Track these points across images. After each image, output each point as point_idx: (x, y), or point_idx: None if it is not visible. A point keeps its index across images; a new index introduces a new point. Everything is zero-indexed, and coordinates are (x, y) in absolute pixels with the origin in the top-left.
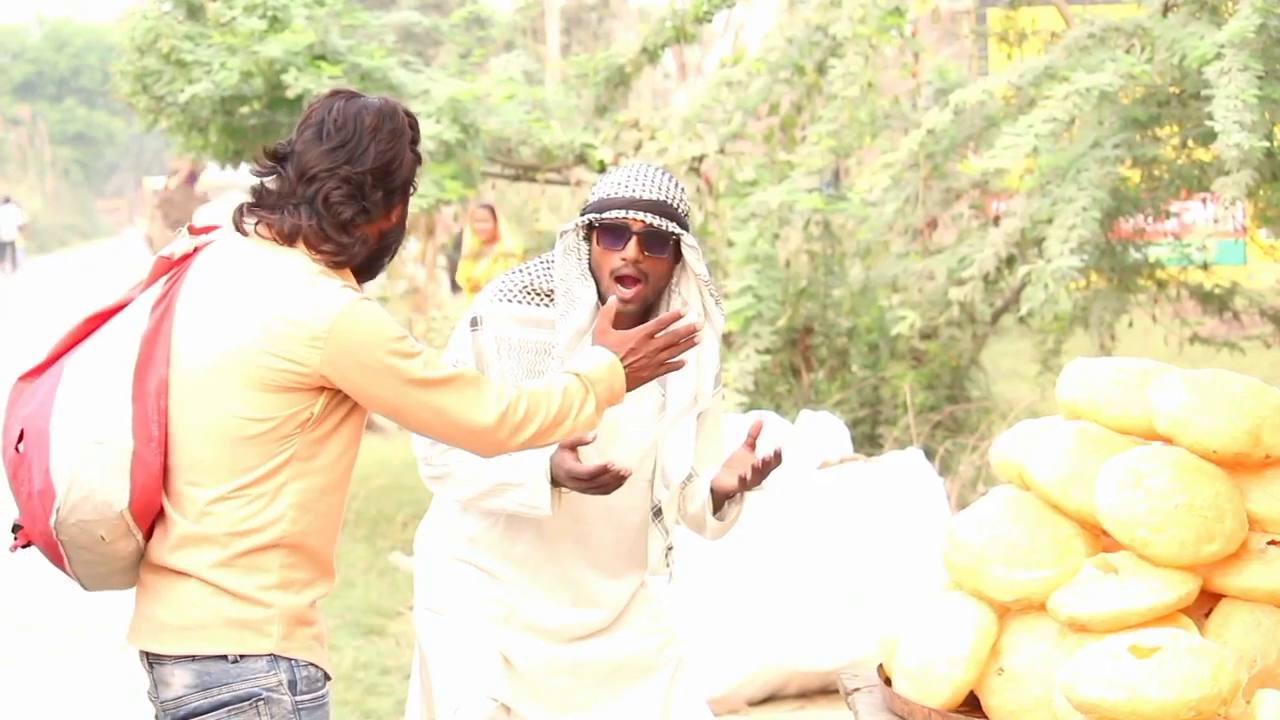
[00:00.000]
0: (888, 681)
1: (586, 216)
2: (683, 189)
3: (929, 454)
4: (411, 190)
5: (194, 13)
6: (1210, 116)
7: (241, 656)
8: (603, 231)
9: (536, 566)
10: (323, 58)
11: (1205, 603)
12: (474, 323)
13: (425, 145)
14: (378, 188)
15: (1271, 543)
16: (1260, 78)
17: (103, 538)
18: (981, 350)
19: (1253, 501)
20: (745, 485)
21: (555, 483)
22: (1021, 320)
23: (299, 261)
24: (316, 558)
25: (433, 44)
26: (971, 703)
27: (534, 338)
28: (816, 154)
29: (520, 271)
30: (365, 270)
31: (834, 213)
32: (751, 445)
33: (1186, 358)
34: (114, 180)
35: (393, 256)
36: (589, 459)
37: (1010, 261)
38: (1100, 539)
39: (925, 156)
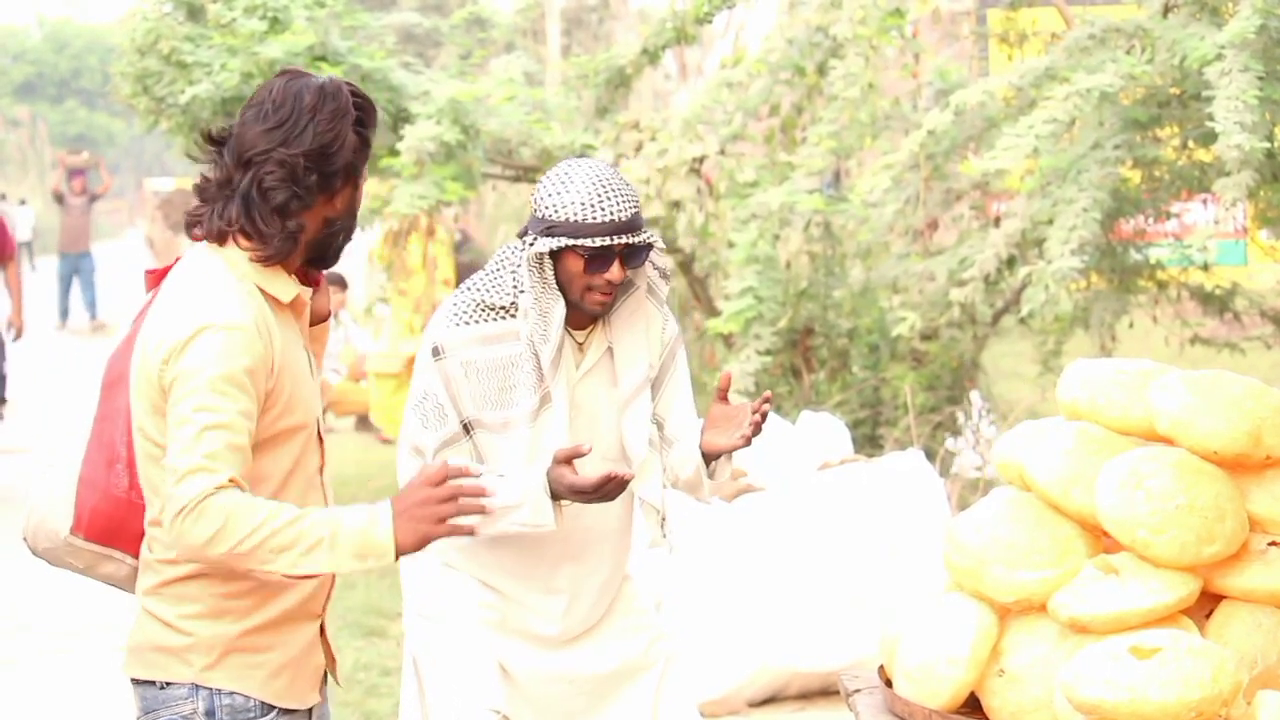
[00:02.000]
0: (888, 683)
1: (563, 241)
2: (630, 184)
3: (929, 455)
4: (360, 175)
5: (194, 14)
6: (1211, 117)
7: (167, 684)
8: (588, 257)
9: (528, 569)
10: (323, 59)
11: (1206, 604)
12: (435, 352)
13: (425, 147)
14: (313, 171)
15: (1272, 544)
16: (1261, 79)
17: (78, 567)
18: (982, 351)
19: (1253, 502)
20: (748, 442)
21: (555, 496)
22: (1022, 321)
23: (216, 266)
24: (262, 583)
25: (433, 45)
26: (972, 704)
27: (498, 354)
28: (817, 155)
29: (469, 289)
30: (319, 258)
31: (834, 214)
32: (724, 397)
33: (1187, 359)
34: (114, 182)
35: (346, 241)
36: (582, 467)
37: (1011, 262)
38: (1101, 540)
39: (926, 157)
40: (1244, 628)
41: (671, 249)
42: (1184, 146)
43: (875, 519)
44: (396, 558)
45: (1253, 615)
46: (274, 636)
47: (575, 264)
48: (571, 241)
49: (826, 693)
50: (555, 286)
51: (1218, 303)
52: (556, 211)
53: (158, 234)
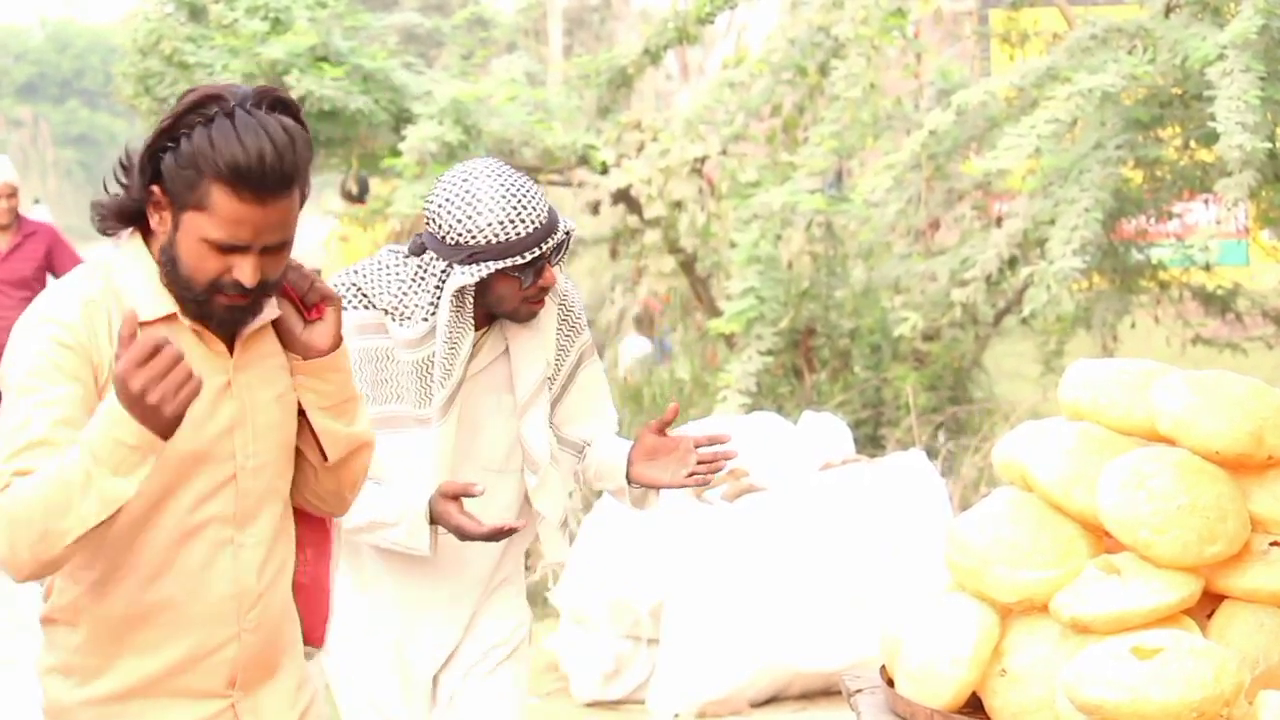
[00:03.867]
0: (890, 683)
1: (492, 267)
2: (525, 174)
3: (931, 455)
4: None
5: (196, 14)
6: (1213, 117)
7: None
8: (505, 274)
9: (429, 590)
10: (325, 59)
11: (1208, 604)
12: None
13: (427, 147)
14: (139, 162)
15: (1274, 544)
16: (1262, 79)
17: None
18: (984, 351)
19: (1255, 503)
20: (696, 486)
21: (434, 520)
22: (1024, 321)
23: (100, 265)
24: (110, 644)
25: (435, 45)
26: (974, 704)
27: (373, 345)
28: (819, 155)
29: (349, 274)
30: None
31: (836, 214)
32: (663, 430)
33: (1189, 359)
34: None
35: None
36: (462, 476)
37: (1013, 262)
38: (1103, 540)
39: (928, 157)
40: (1246, 628)
41: (673, 249)
42: (1186, 146)
43: (877, 519)
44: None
45: (1255, 615)
46: (131, 715)
47: (508, 285)
48: (501, 265)
49: (828, 693)
50: (471, 315)
51: (1220, 303)
52: (474, 236)
53: None
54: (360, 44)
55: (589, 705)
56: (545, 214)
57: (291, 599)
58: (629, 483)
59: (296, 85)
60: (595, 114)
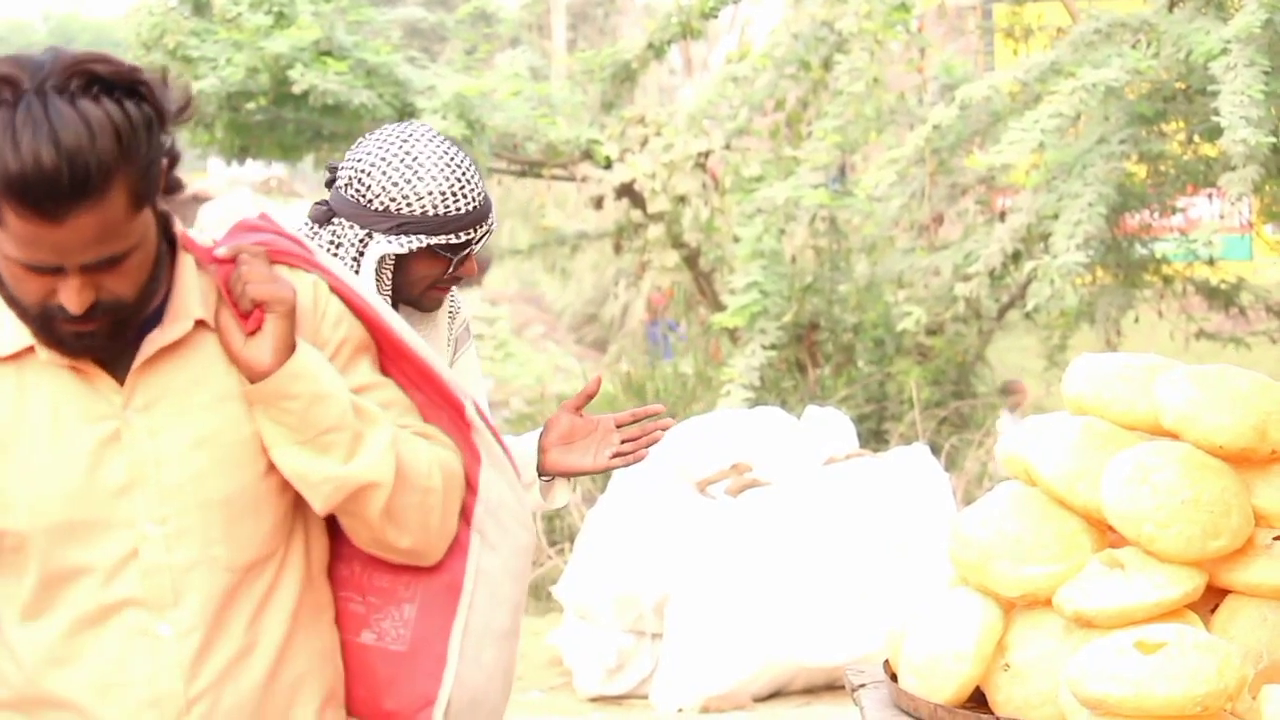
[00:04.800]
0: (894, 677)
1: (421, 241)
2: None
3: (935, 449)
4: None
5: (200, 9)
6: (1216, 112)
7: None
8: (432, 252)
9: None
10: (328, 53)
11: (1211, 598)
12: None
13: None
14: None
15: (1278, 538)
16: (1266, 73)
17: None
18: (987, 346)
19: (1259, 497)
20: (626, 463)
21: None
22: (1027, 316)
23: None
24: None
25: (438, 40)
26: (977, 698)
27: None
28: (822, 150)
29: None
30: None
31: (840, 208)
32: (579, 408)
33: (1192, 353)
34: None
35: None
36: None
37: (1016, 257)
38: (1106, 534)
39: (931, 152)
40: (1249, 622)
41: (677, 244)
42: (1189, 141)
43: (880, 514)
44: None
45: (1258, 610)
46: None
47: (430, 266)
48: (434, 240)
49: (831, 687)
50: (389, 292)
51: (1223, 297)
52: (409, 204)
53: None
54: (364, 38)
55: (592, 700)
56: (483, 195)
57: (306, 694)
58: (540, 475)
59: (300, 80)
60: (599, 109)
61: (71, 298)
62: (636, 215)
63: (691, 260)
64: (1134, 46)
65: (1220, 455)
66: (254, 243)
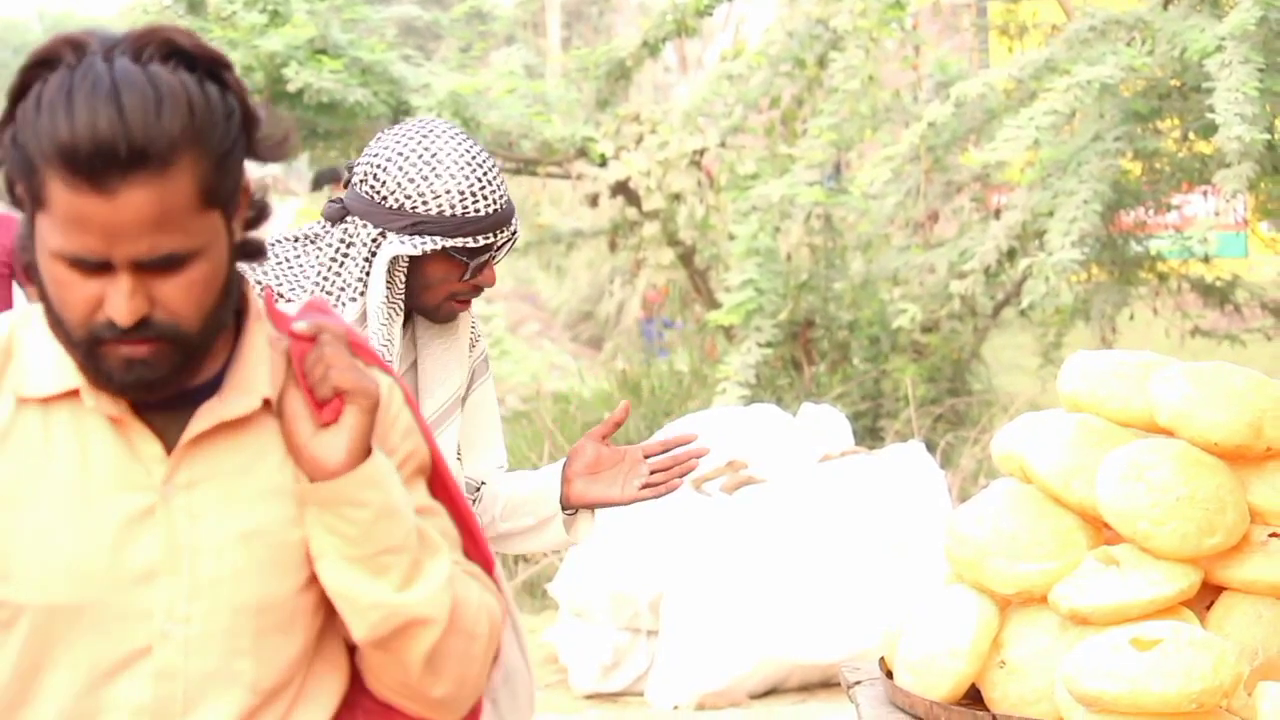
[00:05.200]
0: (889, 674)
1: (438, 243)
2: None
3: (930, 447)
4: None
5: (195, 7)
6: (1211, 109)
7: None
8: (448, 255)
9: None
10: (323, 52)
11: (1206, 595)
12: None
13: None
14: None
15: (1273, 535)
16: (1261, 70)
17: None
18: (983, 343)
19: (1254, 494)
20: (657, 495)
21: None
22: (1023, 313)
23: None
24: None
25: (433, 38)
26: (973, 695)
27: None
28: (817, 147)
29: (252, 273)
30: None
31: (835, 206)
32: (606, 437)
33: (1188, 350)
34: None
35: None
36: None
37: (1011, 254)
38: (1101, 532)
39: (926, 149)
40: (1245, 619)
41: (672, 241)
42: (1184, 138)
43: (876, 511)
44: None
45: (1254, 607)
46: None
47: (446, 270)
48: (450, 243)
49: (827, 685)
50: (401, 297)
51: (1218, 294)
52: (426, 203)
53: None
54: (359, 36)
55: (588, 697)
56: (506, 198)
57: None
58: (564, 508)
59: (295, 78)
60: (594, 106)
61: (120, 304)
62: (631, 213)
63: (687, 258)
64: (1129, 44)
65: (1215, 452)
66: (336, 325)
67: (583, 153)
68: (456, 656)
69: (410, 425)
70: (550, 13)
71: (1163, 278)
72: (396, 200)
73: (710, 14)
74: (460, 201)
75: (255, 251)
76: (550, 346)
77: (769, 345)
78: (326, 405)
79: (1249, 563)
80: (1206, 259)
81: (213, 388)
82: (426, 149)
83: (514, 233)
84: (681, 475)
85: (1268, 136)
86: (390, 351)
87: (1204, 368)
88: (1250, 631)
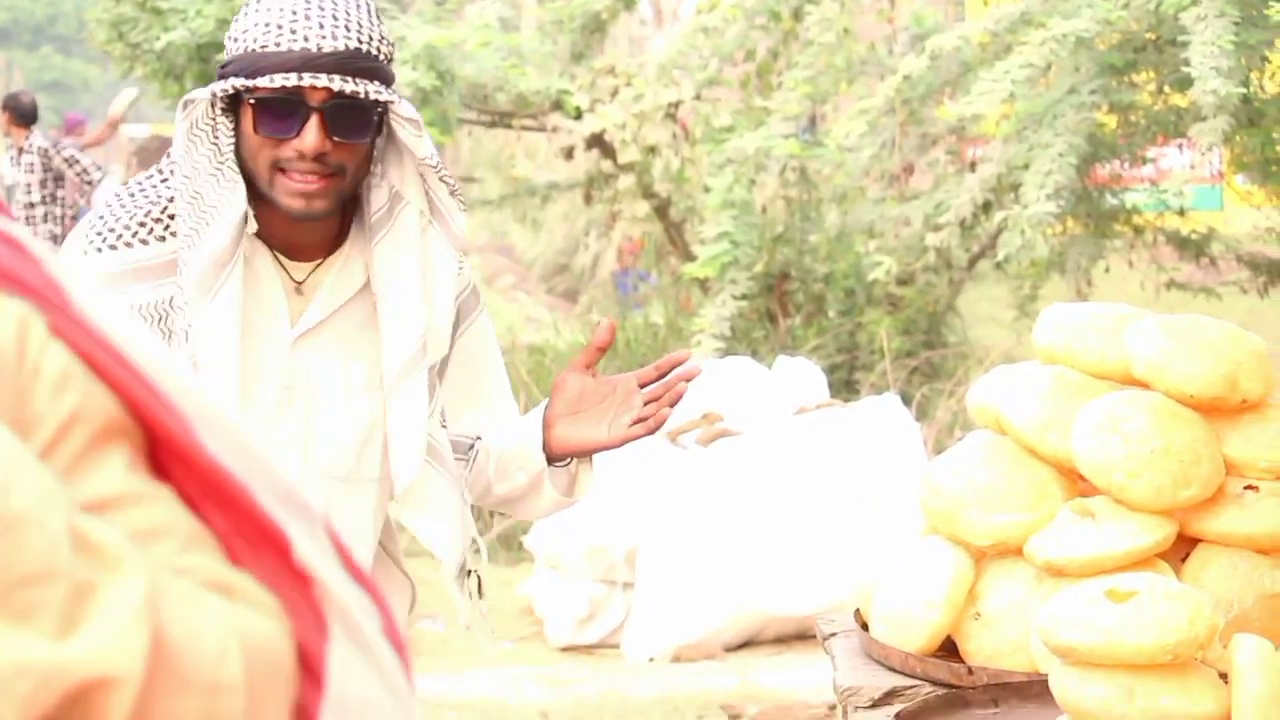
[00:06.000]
0: (865, 626)
1: (230, 84)
2: (379, 17)
3: (905, 399)
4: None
5: None
6: (1187, 63)
7: None
8: (260, 109)
9: None
10: None
11: (1182, 547)
12: None
13: (402, 92)
14: None
15: (1248, 487)
16: (1236, 24)
17: None
18: (958, 296)
19: (1229, 446)
20: (649, 431)
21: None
22: (998, 266)
23: None
24: None
25: None
26: (948, 647)
27: (155, 296)
28: (793, 100)
29: (128, 197)
30: None
31: (810, 159)
32: (590, 366)
33: (1163, 303)
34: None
35: None
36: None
37: (987, 207)
38: (1077, 484)
39: (901, 102)
40: (1220, 571)
41: (647, 194)
42: (1160, 92)
43: (851, 463)
44: None
45: (1229, 559)
46: None
47: (258, 136)
48: (245, 83)
49: (802, 637)
50: (234, 167)
51: (1194, 247)
52: (235, 41)
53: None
54: None
55: (563, 649)
56: (346, 38)
57: None
58: (550, 461)
59: None
60: (569, 59)
61: None
62: (607, 166)
63: (662, 211)
64: None
65: (1191, 405)
66: None
67: (558, 105)
68: None
69: (65, 373)
70: None
71: (1138, 231)
72: (226, 53)
73: None
74: (261, 34)
75: None
76: (525, 299)
77: (744, 298)
78: None
79: (1224, 515)
80: (1182, 212)
81: None
82: None
83: (360, 94)
84: (671, 404)
85: (1243, 90)
86: (194, 227)
87: (1179, 320)
88: (1225, 584)
